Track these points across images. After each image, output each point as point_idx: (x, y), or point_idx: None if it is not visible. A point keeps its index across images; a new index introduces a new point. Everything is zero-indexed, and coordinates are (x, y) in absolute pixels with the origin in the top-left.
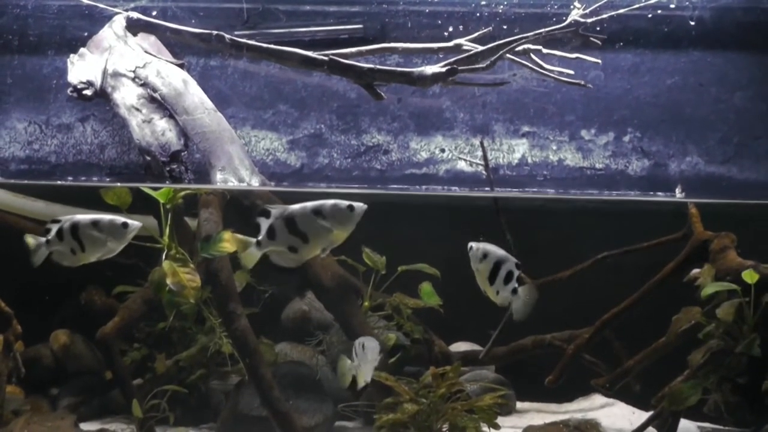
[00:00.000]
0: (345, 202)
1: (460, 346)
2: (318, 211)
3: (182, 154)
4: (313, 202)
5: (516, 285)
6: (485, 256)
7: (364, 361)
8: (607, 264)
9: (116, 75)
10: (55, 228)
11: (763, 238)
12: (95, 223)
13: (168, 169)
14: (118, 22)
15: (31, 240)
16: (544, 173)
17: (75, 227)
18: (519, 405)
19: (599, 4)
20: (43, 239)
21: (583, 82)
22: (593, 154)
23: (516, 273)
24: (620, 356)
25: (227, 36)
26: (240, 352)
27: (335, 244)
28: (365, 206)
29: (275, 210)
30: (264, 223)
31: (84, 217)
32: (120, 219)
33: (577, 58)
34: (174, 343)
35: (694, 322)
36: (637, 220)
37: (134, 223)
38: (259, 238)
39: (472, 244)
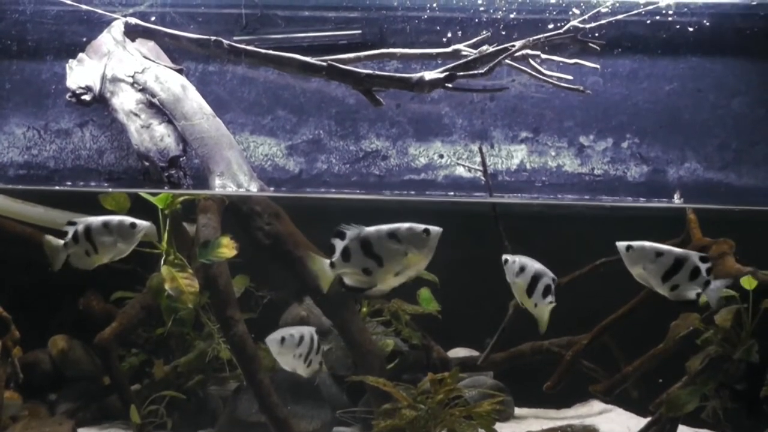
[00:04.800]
0: (421, 226)
1: (458, 352)
2: (393, 234)
3: (181, 159)
4: (389, 225)
5: (553, 299)
6: (522, 269)
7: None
8: (605, 270)
9: (115, 80)
10: (71, 230)
11: (761, 244)
12: (106, 225)
13: (166, 174)
14: (117, 27)
15: (51, 243)
16: (542, 179)
17: (88, 229)
18: (517, 411)
19: (598, 9)
20: (62, 242)
21: (581, 88)
22: (592, 159)
23: (553, 287)
24: (618, 362)
25: (226, 42)
26: (238, 358)
27: (410, 268)
28: (440, 230)
29: (350, 231)
30: (339, 245)
31: (96, 218)
32: (128, 219)
33: (575, 63)
34: (172, 348)
35: (693, 329)
36: (635, 226)
37: (142, 223)
38: (334, 259)
39: (508, 257)
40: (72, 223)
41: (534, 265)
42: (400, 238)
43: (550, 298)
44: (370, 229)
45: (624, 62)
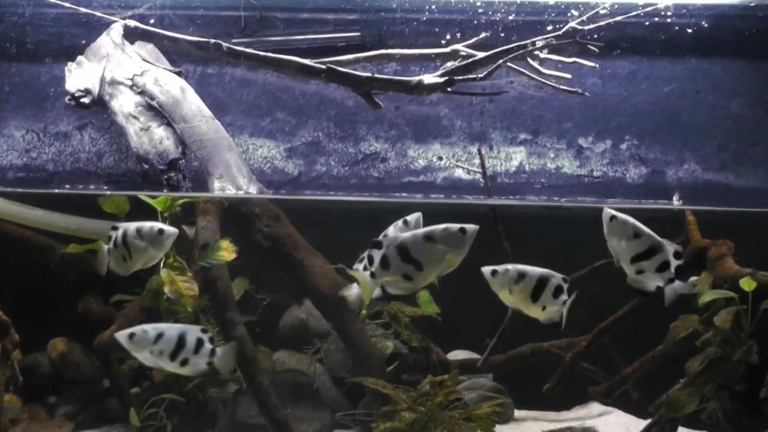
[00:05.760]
0: (456, 225)
1: (458, 354)
2: (430, 236)
3: (180, 162)
4: (424, 229)
5: (567, 296)
6: (522, 276)
7: None
8: (604, 272)
9: (114, 83)
10: (114, 235)
11: (760, 245)
12: (138, 230)
13: (166, 177)
14: (116, 30)
15: (102, 248)
16: (541, 181)
17: (125, 234)
18: (517, 413)
19: (596, 11)
20: (106, 247)
21: (580, 91)
22: (591, 161)
23: (565, 286)
24: (618, 364)
25: (225, 44)
26: (237, 360)
27: (450, 269)
28: (477, 227)
29: (386, 240)
30: (376, 254)
31: (132, 224)
32: (157, 225)
33: (574, 62)
34: None
35: (692, 330)
36: None
37: (170, 229)
38: (373, 269)
39: (497, 269)
40: (115, 228)
41: (536, 269)
42: (436, 240)
43: (563, 297)
44: (406, 234)
45: (623, 64)
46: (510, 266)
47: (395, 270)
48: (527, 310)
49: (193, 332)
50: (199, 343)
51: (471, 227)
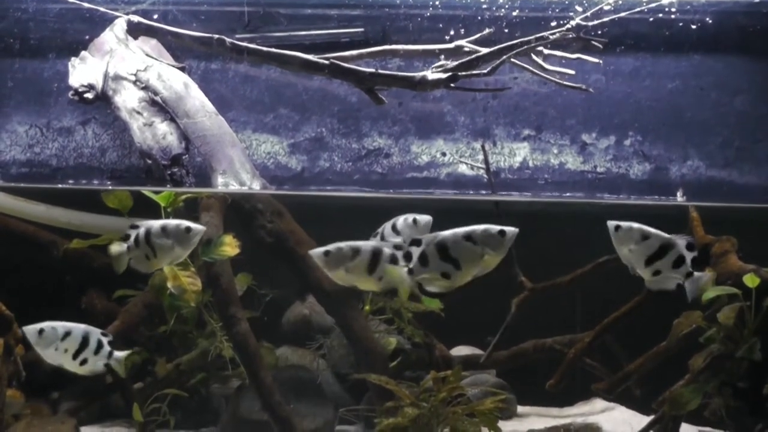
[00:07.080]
0: (496, 227)
1: (461, 350)
2: (469, 236)
3: (183, 157)
4: (464, 228)
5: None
6: (357, 252)
7: None
8: (608, 268)
9: (117, 78)
10: (133, 234)
11: (763, 241)
12: (164, 228)
13: (169, 172)
14: (119, 25)
15: (115, 247)
16: (545, 177)
17: (148, 233)
18: (520, 409)
19: (600, 7)
20: (125, 246)
21: (584, 86)
22: (594, 157)
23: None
24: (621, 360)
25: (228, 39)
26: (240, 356)
27: (487, 269)
28: (516, 230)
29: (426, 237)
30: (415, 251)
31: (155, 222)
32: (184, 223)
33: (578, 58)
34: (175, 346)
35: (695, 327)
36: None
37: (197, 227)
38: (411, 265)
39: (330, 249)
40: (134, 227)
41: (367, 243)
42: (476, 240)
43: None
44: (446, 232)
45: (626, 60)
46: (342, 244)
47: (434, 267)
48: (363, 285)
49: (95, 334)
50: (99, 345)
51: (511, 230)
